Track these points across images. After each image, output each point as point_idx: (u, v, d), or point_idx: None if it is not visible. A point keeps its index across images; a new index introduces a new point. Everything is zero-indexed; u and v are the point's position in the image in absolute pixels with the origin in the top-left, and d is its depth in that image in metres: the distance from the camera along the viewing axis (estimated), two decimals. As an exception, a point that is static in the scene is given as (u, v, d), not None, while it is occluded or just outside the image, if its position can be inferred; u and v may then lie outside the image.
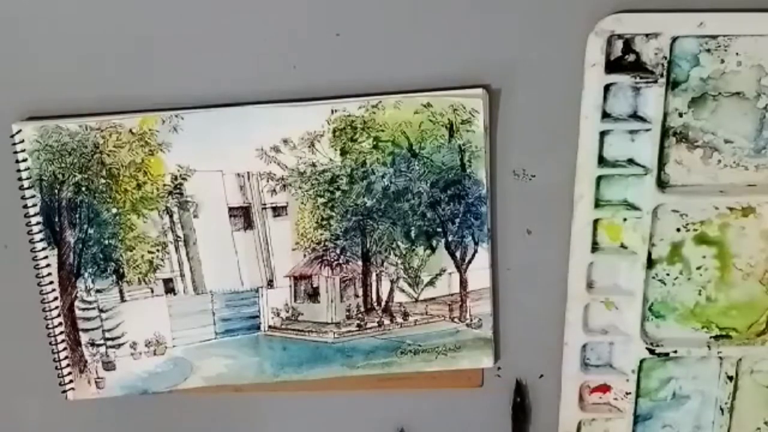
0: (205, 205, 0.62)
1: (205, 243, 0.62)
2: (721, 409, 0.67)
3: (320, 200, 0.62)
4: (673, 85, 0.59)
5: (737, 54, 0.59)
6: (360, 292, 0.64)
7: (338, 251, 0.63)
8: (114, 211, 0.61)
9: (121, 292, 0.63)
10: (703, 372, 0.67)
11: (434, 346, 0.65)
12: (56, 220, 0.61)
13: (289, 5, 0.58)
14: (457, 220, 0.62)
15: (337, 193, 0.61)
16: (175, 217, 0.62)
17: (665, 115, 0.60)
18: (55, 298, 0.63)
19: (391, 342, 0.65)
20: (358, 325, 0.65)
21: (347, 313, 0.65)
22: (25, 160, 0.60)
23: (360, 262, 0.63)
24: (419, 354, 0.65)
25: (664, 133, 0.60)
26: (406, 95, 0.59)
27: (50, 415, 0.68)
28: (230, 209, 0.62)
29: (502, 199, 0.63)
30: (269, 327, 0.64)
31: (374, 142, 0.60)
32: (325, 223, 0.62)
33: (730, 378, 0.66)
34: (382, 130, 0.60)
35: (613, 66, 0.59)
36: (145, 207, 0.61)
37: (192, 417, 0.68)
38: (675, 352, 0.65)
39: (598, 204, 0.62)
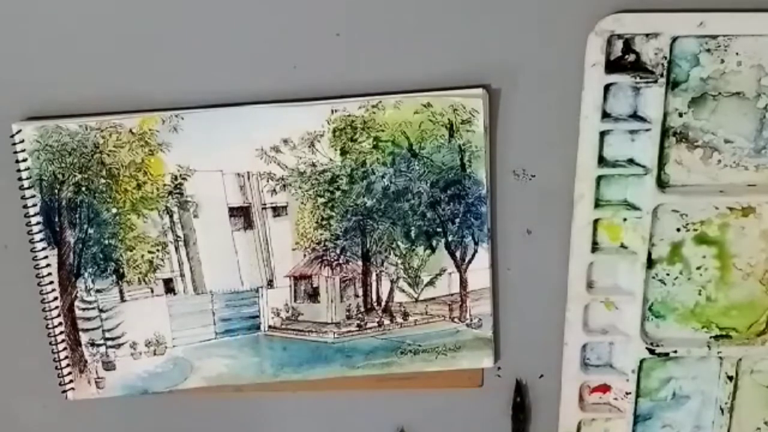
0: (205, 205, 0.61)
1: (205, 243, 0.62)
2: (721, 409, 0.67)
3: (320, 200, 0.62)
4: (673, 85, 0.59)
5: (737, 54, 0.59)
6: (360, 292, 0.64)
7: (338, 251, 0.63)
8: (114, 211, 0.61)
9: (121, 292, 0.63)
10: (703, 372, 0.67)
11: (434, 346, 0.65)
12: (56, 220, 0.61)
13: (289, 5, 0.58)
14: (457, 220, 0.62)
15: (337, 193, 0.61)
16: (175, 217, 0.62)
17: (665, 115, 0.60)
18: (55, 298, 0.63)
19: (391, 342, 0.65)
20: (358, 325, 0.65)
21: (347, 313, 0.65)
22: (25, 160, 0.60)
23: (360, 262, 0.63)
24: (419, 354, 0.65)
25: (664, 133, 0.60)
26: (406, 95, 0.59)
27: (50, 415, 0.68)
28: (230, 209, 0.62)
29: (502, 199, 0.63)
30: (269, 327, 0.64)
31: (374, 142, 0.60)
32: (325, 223, 0.62)
33: (730, 378, 0.66)
34: (382, 130, 0.60)
35: (613, 66, 0.59)
36: (145, 207, 0.61)
37: (192, 417, 0.68)
38: (675, 352, 0.65)
39: (598, 204, 0.62)
